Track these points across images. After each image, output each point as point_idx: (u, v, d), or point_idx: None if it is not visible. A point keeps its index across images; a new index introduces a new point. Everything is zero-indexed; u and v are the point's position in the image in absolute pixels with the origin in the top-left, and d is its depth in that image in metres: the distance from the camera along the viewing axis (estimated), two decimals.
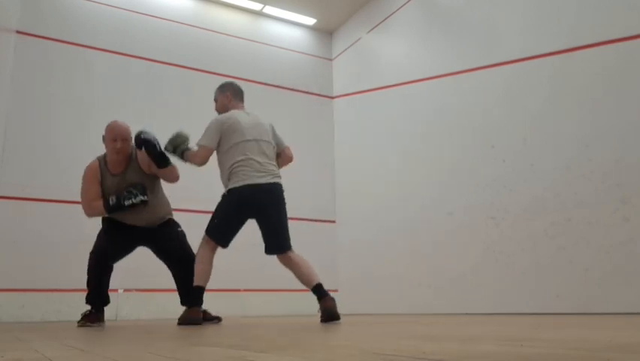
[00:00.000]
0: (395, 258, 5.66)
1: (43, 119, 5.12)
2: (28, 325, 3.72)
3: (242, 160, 3.20)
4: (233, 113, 3.36)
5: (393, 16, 6.31)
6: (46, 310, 4.69)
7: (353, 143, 6.61)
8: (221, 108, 3.50)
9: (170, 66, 5.89)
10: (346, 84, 6.88)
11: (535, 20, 4.76)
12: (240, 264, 5.51)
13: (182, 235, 3.53)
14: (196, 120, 5.88)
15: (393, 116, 6.12)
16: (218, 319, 3.48)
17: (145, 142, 3.23)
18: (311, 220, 6.22)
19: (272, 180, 3.26)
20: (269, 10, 6.69)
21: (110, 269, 3.37)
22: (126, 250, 3.44)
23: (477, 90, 5.18)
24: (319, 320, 3.15)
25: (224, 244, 3.33)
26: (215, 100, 3.58)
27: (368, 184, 6.23)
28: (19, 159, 4.91)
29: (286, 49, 6.85)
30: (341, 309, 5.86)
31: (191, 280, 3.28)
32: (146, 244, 3.48)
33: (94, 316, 3.31)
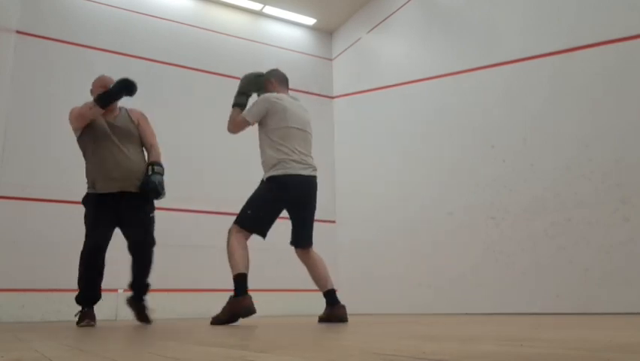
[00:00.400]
0: (395, 258, 5.66)
1: (43, 119, 5.11)
2: (28, 325, 3.72)
3: (286, 147, 3.17)
4: (283, 97, 3.32)
5: (393, 16, 6.31)
6: (46, 310, 4.69)
7: (353, 143, 6.61)
8: None
9: (170, 66, 5.89)
10: (346, 84, 6.88)
11: (535, 20, 4.76)
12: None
13: (151, 221, 3.51)
14: (196, 120, 5.92)
15: (393, 116, 6.11)
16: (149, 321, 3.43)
17: (129, 85, 3.37)
18: None
19: (313, 173, 3.32)
20: (269, 10, 6.69)
21: (103, 265, 3.38)
22: (110, 228, 3.41)
23: (477, 90, 5.18)
24: (318, 318, 3.17)
25: (263, 232, 3.24)
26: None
27: (368, 184, 6.23)
28: (19, 159, 4.91)
29: (286, 49, 6.85)
30: None
31: (144, 274, 3.36)
32: (119, 222, 3.43)
33: (91, 314, 3.29)
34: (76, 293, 3.33)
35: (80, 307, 3.32)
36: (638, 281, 3.69)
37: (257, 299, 6.16)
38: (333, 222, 6.47)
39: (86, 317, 3.25)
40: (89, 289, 3.33)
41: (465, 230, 4.99)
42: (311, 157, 3.34)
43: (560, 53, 4.50)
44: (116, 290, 4.93)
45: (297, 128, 3.24)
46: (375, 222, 5.99)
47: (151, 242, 3.41)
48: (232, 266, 3.15)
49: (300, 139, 3.25)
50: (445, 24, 5.72)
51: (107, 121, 3.42)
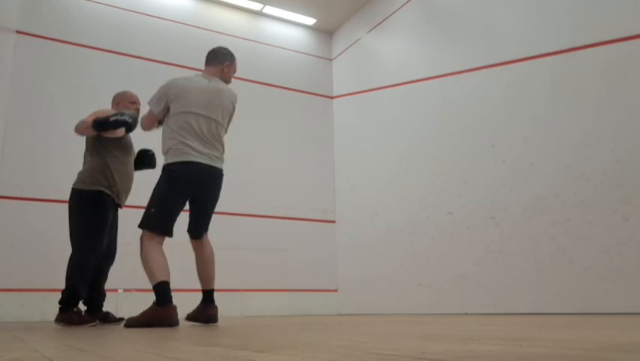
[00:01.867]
0: (395, 258, 5.66)
1: (43, 119, 5.12)
2: (28, 325, 3.72)
3: (182, 134, 2.98)
4: (192, 78, 3.20)
5: (393, 16, 6.31)
6: (46, 310, 4.68)
7: (353, 143, 6.61)
8: None
9: (170, 66, 5.89)
10: (346, 84, 6.88)
11: (535, 20, 4.76)
12: (240, 264, 5.52)
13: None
14: None
15: (393, 116, 6.12)
16: (122, 319, 3.41)
17: (129, 125, 3.27)
18: (311, 220, 6.22)
19: (216, 165, 3.13)
20: (269, 10, 6.69)
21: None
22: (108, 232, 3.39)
23: (477, 90, 5.18)
24: (186, 316, 3.14)
25: (170, 232, 3.05)
26: None
27: (368, 184, 6.23)
28: (19, 159, 4.91)
29: (286, 49, 6.85)
30: (341, 309, 5.87)
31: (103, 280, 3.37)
32: None
33: (81, 313, 3.22)
34: (64, 295, 3.19)
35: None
36: (638, 281, 3.70)
37: (257, 299, 6.17)
38: (333, 222, 6.47)
39: (83, 318, 3.19)
40: (82, 292, 3.23)
41: (465, 230, 4.99)
42: (218, 147, 3.12)
43: (559, 53, 4.50)
44: (116, 290, 4.93)
45: (201, 115, 3.03)
46: (375, 222, 5.99)
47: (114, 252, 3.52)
48: (149, 275, 2.98)
49: (205, 126, 3.04)
50: (445, 24, 5.72)
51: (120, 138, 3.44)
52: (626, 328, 1.94)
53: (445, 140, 5.41)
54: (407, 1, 6.14)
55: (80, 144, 5.22)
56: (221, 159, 3.15)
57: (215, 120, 3.09)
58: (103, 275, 3.44)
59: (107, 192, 3.30)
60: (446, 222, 5.18)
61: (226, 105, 3.15)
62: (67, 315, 3.11)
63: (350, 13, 6.87)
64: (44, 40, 5.29)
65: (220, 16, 6.53)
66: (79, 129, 3.32)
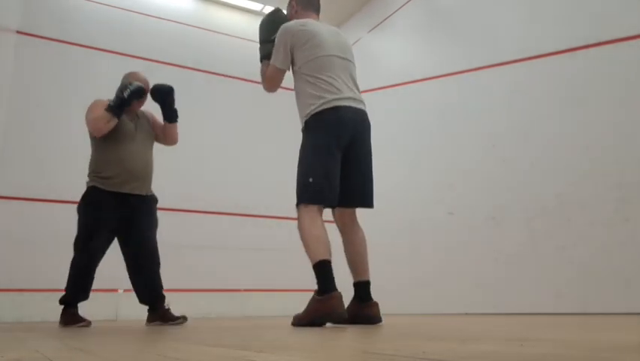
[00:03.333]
0: (395, 258, 5.65)
1: (43, 119, 5.11)
2: (28, 325, 3.72)
3: (326, 77, 2.58)
4: (309, 22, 2.74)
5: (394, 15, 6.31)
6: (46, 310, 4.68)
7: None
8: None
9: (170, 66, 5.89)
10: None
11: (536, 20, 4.76)
12: (240, 264, 5.52)
13: (156, 224, 3.39)
14: (196, 121, 5.91)
15: (393, 116, 6.11)
16: (183, 318, 3.27)
17: (168, 91, 3.20)
18: None
19: (364, 108, 2.73)
20: (269, 10, 6.68)
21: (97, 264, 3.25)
22: (110, 236, 3.26)
23: (477, 90, 5.18)
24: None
25: (334, 201, 2.60)
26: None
27: None
28: (19, 159, 4.91)
29: None
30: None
31: (156, 278, 3.17)
32: (122, 230, 3.26)
33: (77, 315, 3.15)
34: (64, 295, 3.14)
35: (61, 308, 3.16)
36: (638, 281, 3.69)
37: (257, 299, 6.17)
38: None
39: (79, 319, 3.11)
40: (83, 291, 3.15)
41: (465, 230, 4.99)
42: (359, 92, 2.71)
43: (560, 53, 4.50)
44: (116, 290, 4.93)
45: (337, 57, 2.63)
46: (375, 222, 5.96)
47: (156, 250, 3.32)
48: (310, 254, 2.53)
49: (343, 68, 2.63)
50: (446, 24, 5.72)
51: (130, 123, 3.32)
52: (626, 328, 1.93)
53: (446, 140, 5.41)
54: (407, 1, 6.14)
55: (79, 144, 5.23)
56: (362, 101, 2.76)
57: (351, 61, 2.75)
58: (140, 275, 3.28)
59: (101, 187, 3.17)
60: (446, 222, 5.18)
61: (349, 44, 2.84)
62: (62, 315, 3.11)
63: (350, 13, 6.86)
64: (44, 40, 5.29)
65: (220, 16, 6.53)
66: (98, 126, 3.14)
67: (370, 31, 6.62)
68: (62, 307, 3.13)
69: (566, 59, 4.45)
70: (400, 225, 5.69)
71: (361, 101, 2.69)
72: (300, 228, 2.58)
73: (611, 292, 3.83)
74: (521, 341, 1.28)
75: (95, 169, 3.25)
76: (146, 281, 3.26)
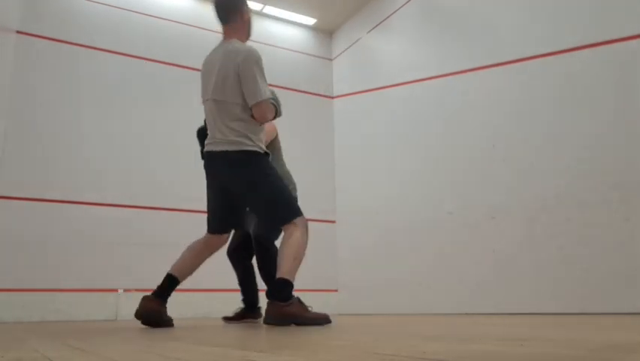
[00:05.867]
0: (395, 258, 5.66)
1: (43, 119, 5.12)
2: (28, 325, 3.72)
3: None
4: (208, 58, 2.95)
5: (394, 16, 6.31)
6: (46, 310, 4.69)
7: (353, 143, 6.61)
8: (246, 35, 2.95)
9: (170, 66, 5.89)
10: (346, 84, 6.88)
11: (536, 20, 4.76)
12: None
13: None
14: (196, 121, 5.91)
15: (394, 116, 6.11)
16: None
17: None
18: (311, 220, 6.19)
19: (219, 148, 2.68)
20: (269, 10, 6.68)
21: None
22: None
23: (477, 90, 5.18)
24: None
25: (212, 228, 2.90)
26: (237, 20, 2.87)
27: (368, 184, 6.23)
28: (19, 159, 4.91)
29: (286, 49, 6.85)
30: (341, 309, 5.85)
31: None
32: None
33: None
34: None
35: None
36: (638, 281, 3.69)
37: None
38: (333, 222, 6.47)
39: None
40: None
41: (465, 230, 4.99)
42: (222, 129, 2.65)
43: (560, 53, 4.50)
44: (116, 290, 4.93)
45: (207, 100, 2.77)
46: (375, 222, 5.99)
47: None
48: (290, 268, 2.63)
49: (209, 110, 2.75)
50: (445, 24, 5.72)
51: None
52: (626, 328, 1.94)
53: (446, 140, 5.41)
54: (407, 1, 6.14)
55: (80, 143, 5.24)
56: (225, 141, 2.67)
57: (212, 99, 2.73)
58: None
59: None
60: (446, 222, 5.18)
61: (219, 71, 2.69)
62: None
63: (350, 13, 6.87)
64: (44, 40, 5.29)
65: None
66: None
67: (370, 31, 6.62)
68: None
69: (566, 59, 4.45)
70: (399, 225, 5.69)
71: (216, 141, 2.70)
72: (299, 242, 2.69)
73: (611, 292, 3.83)
74: (521, 341, 1.27)
75: (282, 176, 3.31)
76: None
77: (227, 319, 3.56)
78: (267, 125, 2.99)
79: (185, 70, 5.98)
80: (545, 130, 4.50)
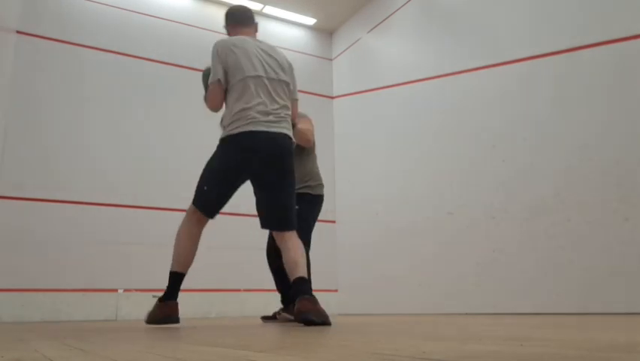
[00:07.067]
0: (395, 258, 5.66)
1: (43, 119, 5.12)
2: (28, 325, 3.72)
3: (245, 100, 2.64)
4: (239, 41, 2.79)
5: (394, 16, 6.31)
6: (46, 310, 4.69)
7: (353, 143, 6.61)
8: None
9: (170, 66, 5.89)
10: (346, 84, 6.88)
11: (536, 20, 4.76)
12: (240, 264, 5.52)
13: None
14: (196, 120, 5.92)
15: (394, 116, 6.12)
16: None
17: None
18: None
19: (284, 131, 2.67)
20: (269, 10, 6.69)
21: None
22: None
23: (477, 90, 5.18)
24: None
25: (211, 213, 2.76)
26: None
27: (368, 184, 6.23)
28: (19, 159, 4.91)
29: (286, 49, 6.83)
30: (341, 309, 5.84)
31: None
32: None
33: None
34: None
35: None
36: (638, 281, 3.69)
37: (257, 299, 6.16)
38: (333, 222, 6.47)
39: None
40: None
41: (465, 230, 4.99)
42: (285, 110, 2.71)
43: (560, 53, 4.50)
44: (116, 290, 4.93)
45: (261, 77, 2.67)
46: (375, 222, 5.99)
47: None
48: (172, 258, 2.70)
49: (267, 88, 2.67)
50: (445, 24, 5.72)
51: None
52: (626, 328, 1.94)
53: (446, 140, 5.41)
54: (407, 1, 6.14)
55: (80, 143, 5.23)
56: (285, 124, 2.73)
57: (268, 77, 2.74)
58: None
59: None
60: (446, 222, 5.18)
61: (272, 57, 2.81)
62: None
63: (350, 13, 6.87)
64: (44, 40, 5.29)
65: (220, 16, 6.50)
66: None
67: (370, 31, 6.62)
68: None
69: (566, 59, 4.45)
70: (399, 225, 5.70)
71: (281, 121, 2.73)
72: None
73: (611, 292, 3.84)
74: (521, 341, 1.27)
75: (312, 177, 3.60)
76: None
77: (265, 318, 3.56)
78: (307, 123, 3.34)
79: (185, 70, 5.98)
80: (545, 130, 4.50)
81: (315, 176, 3.45)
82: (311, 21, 6.97)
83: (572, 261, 4.10)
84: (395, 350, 1.11)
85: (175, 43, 6.07)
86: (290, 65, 2.88)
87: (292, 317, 3.01)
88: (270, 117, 2.65)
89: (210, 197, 2.73)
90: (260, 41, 2.89)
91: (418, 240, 5.45)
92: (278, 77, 2.76)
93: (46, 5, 5.42)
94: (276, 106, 2.69)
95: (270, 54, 2.82)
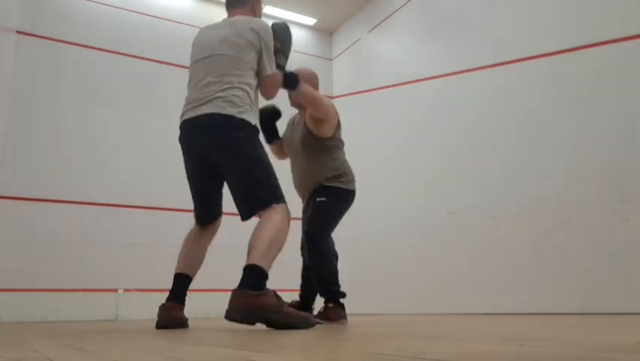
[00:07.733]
0: (395, 258, 5.66)
1: (44, 119, 5.12)
2: (28, 325, 3.72)
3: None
4: (204, 29, 2.73)
5: (394, 16, 6.31)
6: (46, 310, 4.69)
7: (353, 143, 6.59)
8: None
9: (170, 66, 5.89)
10: (346, 84, 6.88)
11: (535, 20, 4.76)
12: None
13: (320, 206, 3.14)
14: None
15: (394, 116, 6.11)
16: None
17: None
18: None
19: (204, 111, 2.39)
20: (269, 10, 6.68)
21: None
22: None
23: (477, 90, 5.18)
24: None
25: (196, 217, 2.75)
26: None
27: (368, 184, 6.21)
28: (19, 159, 4.91)
29: None
30: None
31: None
32: None
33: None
34: (333, 289, 3.23)
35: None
36: (638, 281, 3.69)
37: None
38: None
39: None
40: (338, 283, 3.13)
41: (465, 230, 4.99)
42: (216, 85, 2.38)
43: (559, 53, 4.50)
44: (115, 290, 4.93)
45: (199, 59, 2.49)
46: (375, 221, 5.99)
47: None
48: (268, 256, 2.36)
49: (200, 71, 2.46)
50: (445, 24, 5.72)
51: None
52: (626, 328, 1.94)
53: (446, 140, 5.41)
54: (407, 1, 6.14)
55: (80, 143, 5.23)
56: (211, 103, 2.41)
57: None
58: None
59: (352, 188, 3.44)
60: (446, 222, 5.18)
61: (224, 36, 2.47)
62: (334, 310, 3.15)
63: (350, 13, 6.87)
64: (44, 40, 5.29)
65: (220, 16, 6.51)
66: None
67: (370, 31, 6.62)
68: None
69: (566, 59, 4.45)
70: (399, 224, 5.69)
71: (203, 103, 2.43)
72: (279, 227, 2.41)
73: (611, 292, 3.83)
74: (521, 341, 1.28)
75: (344, 171, 3.38)
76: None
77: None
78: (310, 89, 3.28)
79: (185, 70, 5.98)
80: (545, 130, 4.49)
81: (348, 171, 3.36)
82: (311, 21, 6.97)
83: (572, 261, 4.10)
84: (395, 350, 1.11)
85: (175, 43, 6.06)
86: (247, 37, 2.44)
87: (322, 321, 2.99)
88: (193, 104, 2.46)
89: (194, 203, 2.72)
90: (233, 19, 2.61)
91: (418, 240, 5.45)
92: (214, 52, 2.45)
93: (46, 5, 5.42)
94: (204, 85, 2.40)
95: (219, 31, 2.52)
